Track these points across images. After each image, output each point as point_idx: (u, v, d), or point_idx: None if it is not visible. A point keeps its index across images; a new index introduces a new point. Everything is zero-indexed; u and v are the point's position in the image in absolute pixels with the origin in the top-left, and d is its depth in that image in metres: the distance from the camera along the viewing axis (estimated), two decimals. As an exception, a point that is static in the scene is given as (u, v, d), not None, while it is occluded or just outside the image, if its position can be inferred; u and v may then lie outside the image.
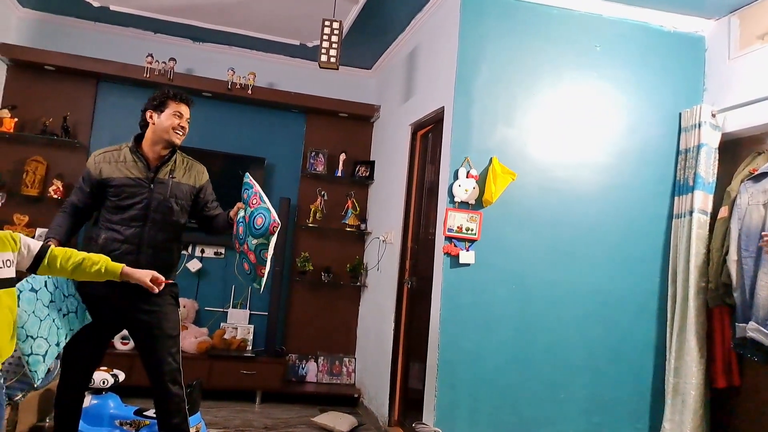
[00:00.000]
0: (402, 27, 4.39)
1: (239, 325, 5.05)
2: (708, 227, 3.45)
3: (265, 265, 2.62)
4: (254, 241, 2.58)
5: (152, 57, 4.84)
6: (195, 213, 2.82)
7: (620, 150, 3.63)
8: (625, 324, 3.58)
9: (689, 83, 3.71)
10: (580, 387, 3.50)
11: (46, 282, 2.35)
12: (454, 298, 3.41)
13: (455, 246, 3.43)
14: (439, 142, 3.69)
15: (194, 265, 5.04)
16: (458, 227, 3.43)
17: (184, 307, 4.86)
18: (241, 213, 2.69)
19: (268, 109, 5.29)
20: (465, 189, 3.41)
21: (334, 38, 3.82)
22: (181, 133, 2.68)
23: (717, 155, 3.49)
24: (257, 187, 2.72)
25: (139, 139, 2.70)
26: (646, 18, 3.67)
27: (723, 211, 3.36)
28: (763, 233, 2.83)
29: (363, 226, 5.26)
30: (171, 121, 2.64)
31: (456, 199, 3.43)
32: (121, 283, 2.34)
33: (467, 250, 3.44)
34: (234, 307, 5.10)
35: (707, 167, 3.45)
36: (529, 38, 3.56)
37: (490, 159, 3.44)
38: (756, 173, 3.21)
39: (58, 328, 2.34)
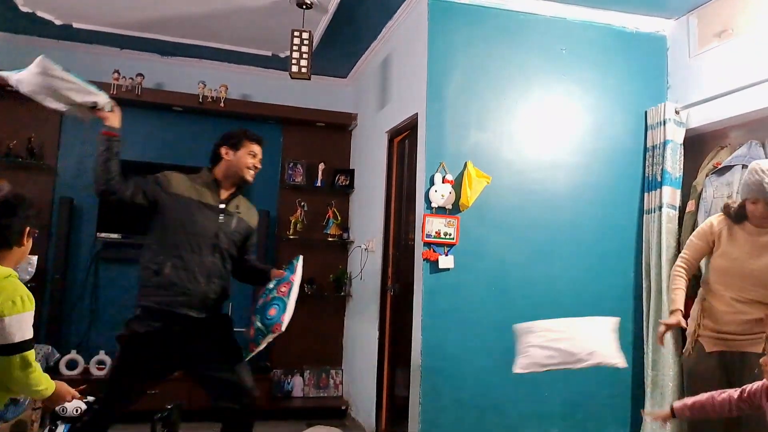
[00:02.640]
0: (374, 35, 4.73)
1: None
2: (677, 221, 3.82)
3: (258, 347, 2.83)
4: (259, 325, 2.79)
5: (119, 73, 5.08)
6: (237, 251, 3.01)
7: (590, 149, 3.99)
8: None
9: (653, 82, 4.09)
10: (563, 385, 3.81)
11: None
12: (435, 303, 3.69)
13: (434, 251, 3.74)
14: (415, 148, 4.00)
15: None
16: (436, 232, 3.74)
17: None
18: (272, 284, 2.91)
19: (243, 122, 5.55)
20: (441, 194, 3.73)
21: (305, 48, 4.14)
22: (253, 172, 2.98)
23: (682, 151, 3.87)
24: (296, 278, 2.90)
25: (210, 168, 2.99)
26: (609, 20, 4.05)
27: (690, 205, 3.73)
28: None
29: (345, 236, 5.57)
30: (246, 159, 2.94)
31: (433, 205, 3.73)
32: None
33: (446, 255, 3.75)
34: (215, 324, 5.35)
35: (673, 163, 3.82)
36: (498, 43, 3.90)
37: (465, 163, 3.75)
38: (719, 167, 3.59)
39: None
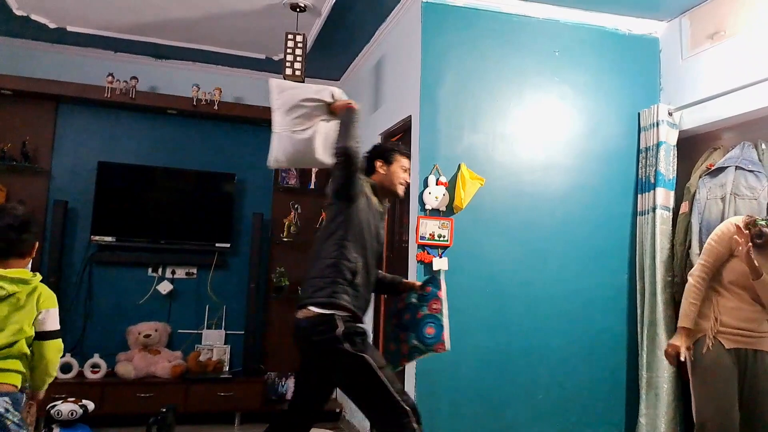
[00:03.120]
0: (367, 38, 4.71)
1: (215, 346, 5.28)
2: (671, 223, 3.80)
3: (409, 362, 2.89)
4: (415, 342, 2.81)
5: (113, 77, 5.07)
6: None
7: (584, 151, 3.97)
8: (598, 321, 3.90)
9: (646, 84, 4.08)
10: (557, 386, 3.80)
11: None
12: (429, 304, 3.69)
13: (428, 253, 3.71)
14: (409, 150, 3.97)
15: (165, 287, 5.26)
16: (430, 234, 3.72)
17: (156, 330, 5.08)
18: (413, 298, 2.89)
19: (237, 125, 5.57)
20: (435, 196, 3.71)
21: (298, 51, 4.13)
22: (404, 187, 2.92)
23: (676, 152, 3.85)
24: (443, 293, 2.87)
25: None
26: (602, 22, 4.04)
27: (684, 207, 3.71)
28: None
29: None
30: (399, 175, 2.88)
31: (427, 207, 3.71)
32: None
33: (440, 257, 3.72)
34: (209, 327, 5.33)
35: (667, 164, 3.81)
36: (491, 46, 3.88)
37: (459, 165, 3.73)
38: (713, 168, 3.57)
39: None
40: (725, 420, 2.76)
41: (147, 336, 5.02)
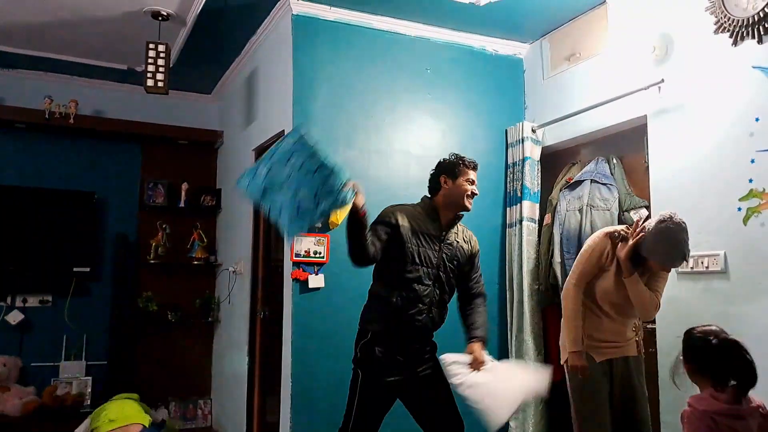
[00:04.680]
0: (238, 50, 4.46)
1: (74, 378, 4.73)
2: (537, 233, 3.88)
3: None
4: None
5: (-51, 85, 4.46)
6: (458, 281, 2.84)
7: (455, 166, 3.96)
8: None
9: (512, 102, 4.17)
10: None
11: None
12: (306, 324, 3.51)
13: (303, 271, 3.54)
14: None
15: (15, 317, 4.67)
16: (306, 251, 3.55)
17: (4, 365, 4.49)
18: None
19: (97, 140, 5.06)
20: (310, 212, 3.53)
21: (161, 61, 3.81)
22: (472, 200, 2.78)
23: (539, 167, 3.95)
24: None
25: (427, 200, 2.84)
26: (471, 42, 4.08)
27: (547, 218, 3.82)
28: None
29: (213, 258, 5.20)
30: (465, 187, 2.74)
31: (302, 223, 3.54)
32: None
33: (316, 274, 3.56)
34: (67, 359, 4.77)
35: (532, 178, 3.89)
36: (364, 61, 3.79)
37: (334, 181, 3.59)
38: (571, 182, 3.70)
39: None
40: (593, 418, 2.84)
41: (-7, 371, 4.42)
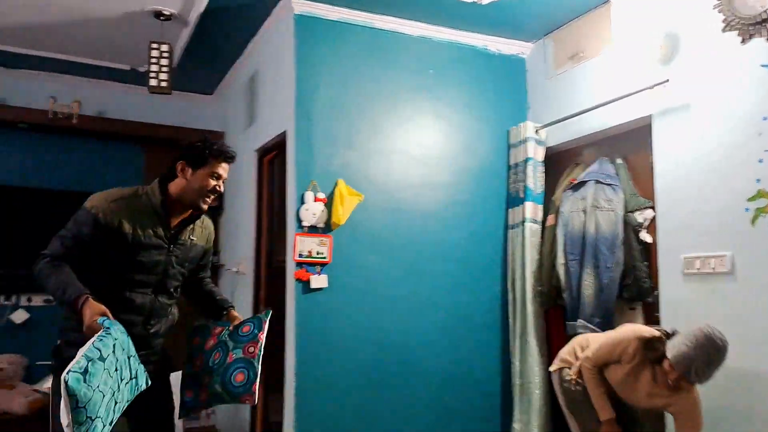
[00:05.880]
0: (239, 51, 4.36)
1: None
2: (540, 235, 3.77)
3: (206, 409, 2.38)
4: (218, 389, 2.18)
5: (-47, 86, 4.37)
6: (190, 273, 2.38)
7: (458, 167, 3.86)
8: (473, 333, 3.80)
9: (514, 102, 4.06)
10: (435, 397, 3.65)
11: (114, 345, 1.84)
12: (308, 324, 3.42)
13: (306, 271, 3.45)
14: (285, 166, 3.70)
15: (20, 316, 4.60)
16: (309, 251, 3.46)
17: (10, 364, 4.40)
18: (226, 335, 2.26)
19: (101, 141, 4.97)
20: (313, 213, 3.45)
21: (164, 62, 3.73)
22: (212, 199, 2.23)
23: (543, 168, 3.84)
24: (264, 336, 2.26)
25: (164, 186, 2.20)
26: (473, 41, 3.97)
27: (550, 219, 3.71)
28: None
29: (215, 259, 5.10)
30: (207, 182, 2.18)
31: (304, 224, 3.45)
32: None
33: (319, 274, 3.47)
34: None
35: (535, 179, 3.78)
36: (367, 61, 3.69)
37: (336, 181, 3.50)
38: (575, 183, 3.58)
39: (115, 402, 1.86)
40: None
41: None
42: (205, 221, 2.41)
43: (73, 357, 1.76)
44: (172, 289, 2.27)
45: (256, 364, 2.19)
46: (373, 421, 3.49)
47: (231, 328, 2.31)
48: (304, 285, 3.44)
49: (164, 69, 3.69)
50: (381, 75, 3.72)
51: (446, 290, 3.73)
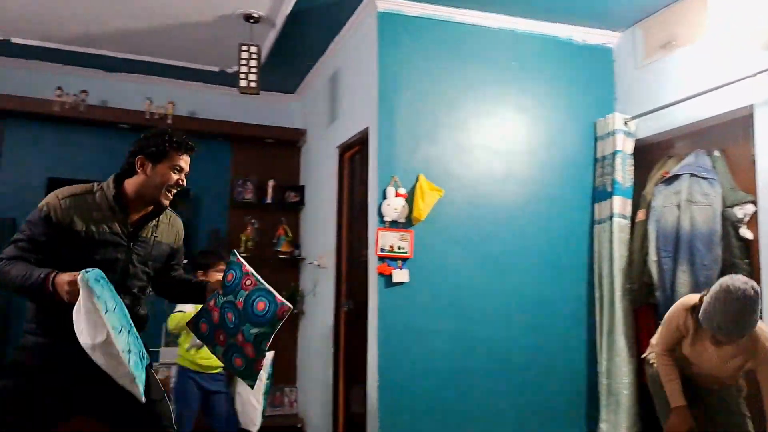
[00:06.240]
0: (322, 50, 4.42)
1: (172, 364, 4.85)
2: (629, 230, 3.62)
3: (264, 357, 2.24)
4: (254, 330, 2.17)
5: (62, 90, 4.66)
6: (159, 274, 2.27)
7: (541, 161, 3.77)
8: (557, 330, 3.69)
9: (601, 93, 3.91)
10: (519, 395, 3.58)
11: (116, 305, 1.85)
12: (391, 317, 3.44)
13: (388, 265, 3.46)
14: (367, 162, 3.73)
15: (119, 306, 4.84)
16: (390, 246, 3.47)
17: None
18: (222, 298, 2.23)
19: (191, 139, 5.16)
20: (394, 208, 3.46)
21: (253, 63, 3.83)
22: (173, 192, 2.14)
23: (632, 161, 3.68)
24: (247, 266, 2.24)
25: (119, 182, 2.11)
26: (557, 32, 3.85)
27: (640, 214, 3.55)
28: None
29: (297, 252, 5.22)
30: (168, 176, 2.08)
31: (386, 219, 3.47)
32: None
33: (400, 269, 3.47)
34: (166, 345, 4.91)
35: (623, 173, 3.63)
36: (449, 56, 3.66)
37: (417, 177, 3.49)
38: (668, 176, 3.41)
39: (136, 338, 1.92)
40: None
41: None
42: (173, 219, 2.30)
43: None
44: (135, 290, 2.13)
45: (261, 285, 2.18)
46: (457, 418, 3.46)
47: (220, 290, 2.25)
48: (386, 279, 3.45)
49: (253, 70, 3.80)
50: (463, 69, 3.68)
51: (529, 287, 3.65)
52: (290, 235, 5.21)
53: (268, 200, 5.22)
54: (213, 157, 5.24)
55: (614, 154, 3.63)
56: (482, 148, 3.68)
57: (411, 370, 3.43)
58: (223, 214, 5.22)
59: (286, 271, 5.23)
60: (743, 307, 2.30)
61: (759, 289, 2.34)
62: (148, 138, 2.10)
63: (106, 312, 1.76)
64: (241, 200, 5.18)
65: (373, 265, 3.50)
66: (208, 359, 3.41)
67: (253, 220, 5.17)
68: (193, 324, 2.32)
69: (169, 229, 2.27)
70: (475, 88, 3.69)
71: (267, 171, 5.27)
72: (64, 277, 1.83)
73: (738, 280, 2.33)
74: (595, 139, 3.84)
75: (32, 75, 4.84)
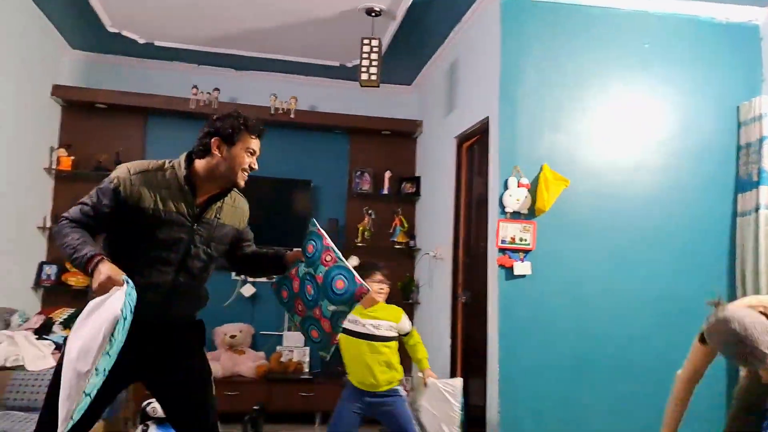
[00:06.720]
0: (441, 40, 4.39)
1: (295, 347, 5.07)
2: (778, 223, 3.29)
3: (338, 332, 2.22)
4: (332, 308, 2.16)
5: (197, 88, 4.97)
6: (228, 253, 2.27)
7: (676, 149, 3.52)
8: (692, 331, 3.40)
9: (746, 75, 3.58)
10: (646, 398, 3.35)
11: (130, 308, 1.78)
12: (511, 310, 3.36)
13: (509, 257, 3.38)
14: (486, 153, 3.66)
15: (248, 290, 5.11)
16: (511, 238, 3.39)
17: (241, 332, 4.93)
18: (304, 268, 2.22)
19: (312, 132, 5.36)
20: (516, 199, 3.37)
21: (374, 56, 3.86)
22: (247, 175, 2.15)
23: (782, 148, 3.34)
24: (328, 240, 2.18)
25: (189, 162, 2.11)
26: (696, 11, 3.57)
27: (792, 206, 3.21)
28: None
29: (412, 243, 5.25)
30: (242, 158, 2.08)
31: (507, 210, 3.39)
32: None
33: (522, 261, 3.38)
34: (288, 330, 5.13)
35: (772, 161, 3.30)
36: (573, 40, 3.51)
37: (541, 166, 3.38)
38: (826, 164, 3.06)
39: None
40: None
41: (232, 336, 4.89)
42: (237, 200, 2.25)
43: None
44: (195, 270, 2.10)
45: (341, 263, 2.13)
46: (580, 415, 3.34)
47: (302, 259, 2.21)
48: (507, 271, 3.37)
49: (374, 63, 3.84)
50: (589, 53, 3.51)
51: (662, 283, 3.43)
52: (406, 225, 5.24)
53: (385, 191, 5.28)
54: (332, 149, 5.40)
55: (761, 140, 3.32)
56: (610, 136, 3.50)
57: (531, 364, 3.34)
58: (341, 205, 5.35)
59: (401, 262, 5.27)
60: (736, 341, 2.07)
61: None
62: (222, 119, 2.08)
63: (106, 352, 1.68)
64: (358, 191, 5.28)
65: (493, 257, 3.43)
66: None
67: (370, 211, 5.25)
68: (276, 290, 2.33)
69: (234, 211, 2.23)
70: (602, 72, 3.52)
71: (384, 162, 5.34)
72: (105, 269, 1.77)
73: (726, 313, 2.15)
74: (739, 125, 3.53)
75: (171, 75, 5.20)
